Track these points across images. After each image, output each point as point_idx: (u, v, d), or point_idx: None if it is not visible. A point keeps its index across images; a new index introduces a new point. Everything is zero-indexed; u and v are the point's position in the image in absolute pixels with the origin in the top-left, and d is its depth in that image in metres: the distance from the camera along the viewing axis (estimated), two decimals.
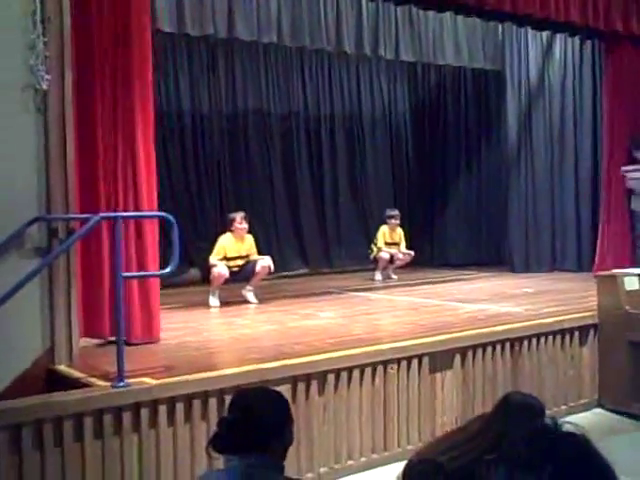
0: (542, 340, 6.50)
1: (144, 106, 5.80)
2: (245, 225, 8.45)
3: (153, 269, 5.72)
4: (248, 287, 8.40)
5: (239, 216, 8.42)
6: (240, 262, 8.39)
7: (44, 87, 5.03)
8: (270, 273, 8.58)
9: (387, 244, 10.45)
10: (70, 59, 5.24)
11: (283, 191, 11.69)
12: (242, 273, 8.36)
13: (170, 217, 4.88)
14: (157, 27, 7.99)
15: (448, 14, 10.13)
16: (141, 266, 5.67)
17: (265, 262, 8.38)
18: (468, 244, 12.28)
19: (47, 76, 5.02)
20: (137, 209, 5.71)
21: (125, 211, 5.58)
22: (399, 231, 10.61)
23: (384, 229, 10.50)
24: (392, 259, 10.40)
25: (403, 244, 10.58)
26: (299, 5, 9.29)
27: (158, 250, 5.83)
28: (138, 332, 5.76)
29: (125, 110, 5.70)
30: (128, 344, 5.26)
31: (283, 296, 8.93)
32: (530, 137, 10.98)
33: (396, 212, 10.59)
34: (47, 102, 5.08)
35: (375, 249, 10.43)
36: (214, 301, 8.21)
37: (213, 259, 8.28)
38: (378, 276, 10.42)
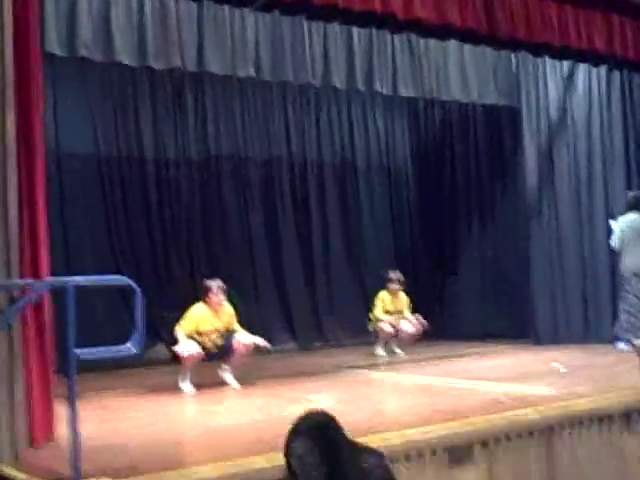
0: (577, 427, 6.38)
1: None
2: (222, 297, 8.34)
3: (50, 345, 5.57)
4: (224, 367, 8.27)
5: (215, 286, 8.30)
6: (215, 337, 8.26)
7: None
8: (250, 353, 8.43)
9: (388, 313, 10.37)
10: (12, 97, 5.21)
11: (265, 251, 11.65)
12: (220, 353, 8.24)
13: (132, 283, 4.79)
14: (115, 59, 8.04)
15: (453, 42, 10.26)
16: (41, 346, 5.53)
17: (245, 338, 8.25)
18: (484, 312, 12.20)
19: None
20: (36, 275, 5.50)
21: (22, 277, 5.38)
22: (403, 297, 10.55)
23: (383, 295, 10.44)
24: (397, 332, 10.32)
25: (408, 312, 10.50)
26: (280, 34, 9.38)
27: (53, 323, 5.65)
28: (39, 430, 5.56)
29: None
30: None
31: (267, 376, 8.79)
32: (553, 183, 11.03)
33: (398, 274, 10.55)
34: None
35: (373, 319, 10.35)
36: (186, 386, 8.03)
37: (180, 333, 8.13)
38: (379, 351, 10.32)
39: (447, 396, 7.21)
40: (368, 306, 10.85)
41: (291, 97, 12.01)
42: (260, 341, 8.37)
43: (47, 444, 5.54)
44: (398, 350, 10.41)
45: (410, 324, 10.34)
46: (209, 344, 8.19)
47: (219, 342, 8.24)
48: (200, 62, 8.71)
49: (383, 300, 10.40)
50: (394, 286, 10.43)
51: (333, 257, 12.20)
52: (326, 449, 3.01)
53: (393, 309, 10.42)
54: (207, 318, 8.24)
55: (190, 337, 8.10)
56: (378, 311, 10.33)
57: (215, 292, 8.27)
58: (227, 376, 8.24)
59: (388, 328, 10.21)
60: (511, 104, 11.59)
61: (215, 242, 11.20)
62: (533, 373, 8.44)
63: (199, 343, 8.10)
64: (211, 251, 11.15)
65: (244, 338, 8.22)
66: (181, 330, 8.14)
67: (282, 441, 5.38)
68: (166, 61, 8.46)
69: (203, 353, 8.05)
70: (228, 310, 8.41)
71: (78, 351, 4.58)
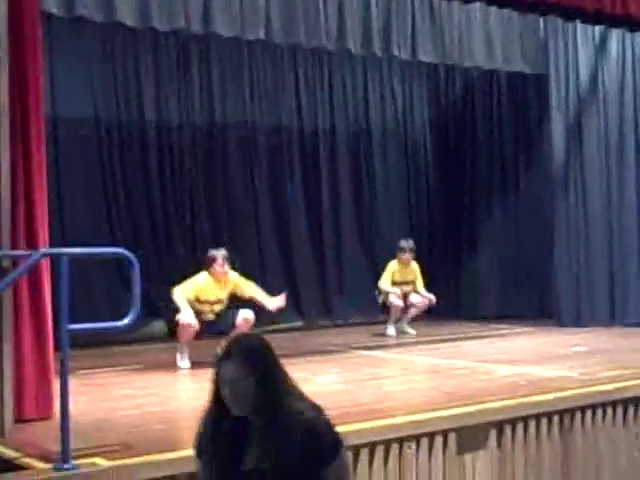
0: (599, 412, 6.44)
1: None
2: (227, 269, 8.43)
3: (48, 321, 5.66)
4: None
5: (220, 256, 8.39)
6: (218, 308, 8.36)
7: None
8: (252, 327, 8.53)
9: (397, 284, 10.41)
10: (6, 59, 5.26)
11: (271, 224, 11.68)
12: (219, 324, 8.32)
13: (129, 255, 4.85)
14: (116, 19, 8.06)
15: (478, 5, 10.21)
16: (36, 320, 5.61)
17: (247, 314, 8.33)
18: (504, 291, 12.25)
19: None
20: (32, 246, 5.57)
21: (15, 248, 5.46)
22: (414, 267, 10.57)
23: (393, 266, 10.47)
24: (407, 306, 10.35)
25: (420, 284, 10.53)
26: None
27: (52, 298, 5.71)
28: (31, 404, 5.66)
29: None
30: (18, 420, 5.27)
31: None
32: (581, 154, 11.01)
33: (410, 243, 10.55)
34: None
35: (382, 291, 10.40)
36: (183, 362, 8.15)
37: (180, 298, 8.17)
38: (391, 330, 10.37)
39: (461, 379, 7.27)
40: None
41: (302, 61, 12.00)
42: (276, 302, 8.49)
43: (44, 421, 5.63)
44: (411, 330, 10.49)
45: (419, 296, 10.41)
46: (209, 313, 8.27)
47: (218, 310, 8.32)
48: (206, 23, 8.70)
49: (392, 271, 10.43)
50: (405, 256, 10.42)
51: (344, 231, 12.23)
52: (263, 376, 2.88)
53: (402, 280, 10.43)
54: (210, 288, 8.37)
55: (189, 304, 8.15)
56: (385, 282, 10.35)
57: (220, 262, 8.36)
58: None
59: (397, 301, 10.25)
60: (538, 71, 11.54)
61: (219, 214, 11.23)
62: (553, 356, 8.48)
63: (197, 312, 8.17)
64: (215, 223, 11.19)
65: (246, 313, 8.29)
66: (181, 293, 8.19)
67: None
68: (170, 22, 8.46)
69: (198, 326, 8.09)
70: (233, 278, 8.49)
71: (71, 326, 4.64)
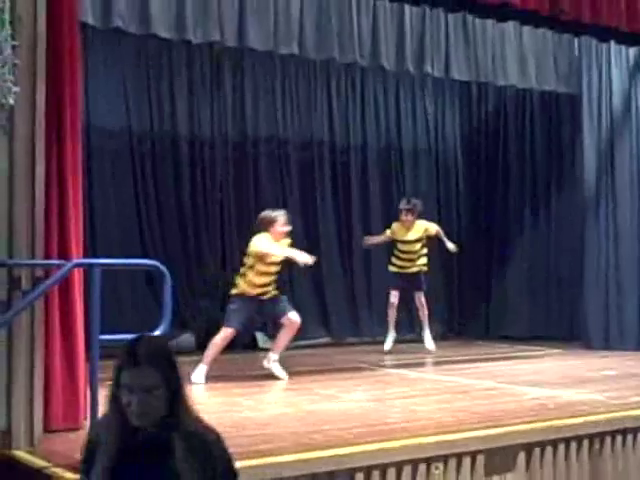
0: (629, 437, 6.39)
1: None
2: (408, 216, 9.86)
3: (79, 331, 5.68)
4: (273, 355, 8.44)
5: (283, 217, 8.60)
6: (274, 277, 8.50)
7: (10, 102, 5.08)
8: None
9: (400, 251, 10.45)
10: (44, 69, 5.31)
11: (301, 240, 11.65)
12: (266, 311, 8.51)
13: (162, 267, 4.88)
14: (151, 31, 8.13)
15: (511, 24, 10.22)
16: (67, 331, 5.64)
17: (296, 316, 8.46)
18: (533, 313, 12.18)
19: (15, 88, 5.08)
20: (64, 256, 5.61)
21: (48, 258, 5.50)
22: (420, 225, 10.44)
23: (393, 227, 10.54)
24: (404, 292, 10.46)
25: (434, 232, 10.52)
26: (327, 10, 9.41)
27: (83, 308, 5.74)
28: (61, 415, 5.69)
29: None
30: (47, 430, 5.30)
31: (299, 371, 8.86)
32: (613, 177, 10.96)
33: (413, 202, 10.46)
34: (14, 120, 5.13)
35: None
36: (198, 375, 8.12)
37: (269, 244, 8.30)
38: (388, 343, 10.38)
39: (489, 399, 7.22)
40: (409, 306, 10.89)
41: (335, 77, 12.03)
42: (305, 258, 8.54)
43: (70, 432, 5.65)
44: (429, 345, 10.37)
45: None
46: (272, 275, 8.41)
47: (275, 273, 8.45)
48: (240, 36, 8.76)
49: (391, 230, 10.47)
50: (406, 217, 10.31)
51: (373, 248, 12.20)
52: (174, 387, 2.68)
53: (400, 239, 10.37)
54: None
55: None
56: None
57: (282, 223, 8.53)
58: (275, 366, 8.39)
59: (393, 299, 10.26)
60: (571, 91, 11.52)
61: (249, 228, 11.20)
62: (583, 379, 8.42)
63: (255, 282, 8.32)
64: (244, 237, 11.15)
65: (294, 315, 8.41)
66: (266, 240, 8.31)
67: (311, 437, 5.50)
68: (205, 34, 8.52)
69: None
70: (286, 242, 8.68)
71: (103, 337, 4.66)
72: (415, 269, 10.46)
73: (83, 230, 6.14)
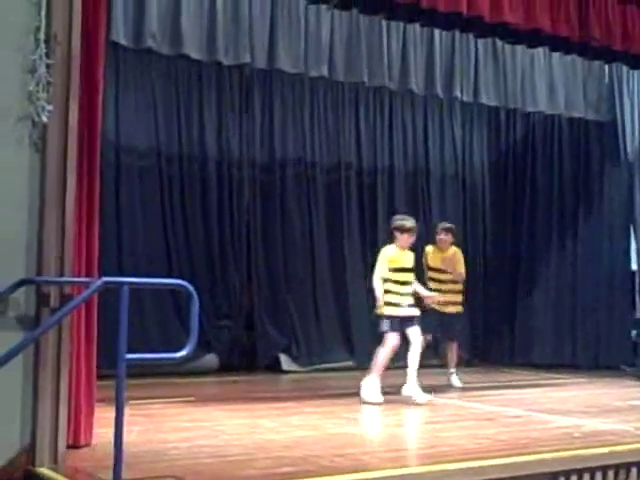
0: None
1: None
2: (448, 236, 9.49)
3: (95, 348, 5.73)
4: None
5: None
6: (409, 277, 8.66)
7: (44, 119, 5.13)
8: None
9: (431, 272, 9.92)
10: (77, 88, 5.36)
11: (327, 262, 11.69)
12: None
13: (190, 288, 4.89)
14: (183, 52, 8.21)
15: (541, 50, 10.24)
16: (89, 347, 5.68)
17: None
18: (559, 340, 12.12)
19: (48, 107, 5.13)
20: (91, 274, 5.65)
21: (75, 275, 5.53)
22: (454, 253, 9.99)
23: (428, 249, 10.01)
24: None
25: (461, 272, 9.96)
26: (357, 33, 9.48)
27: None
28: (82, 431, 5.69)
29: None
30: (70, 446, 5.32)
31: (323, 394, 8.85)
32: None
33: (449, 225, 10.11)
34: (46, 138, 5.18)
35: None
36: (375, 395, 8.28)
37: (378, 285, 8.53)
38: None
39: (514, 427, 7.18)
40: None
41: (364, 100, 12.04)
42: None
43: (88, 448, 5.68)
44: (455, 381, 9.91)
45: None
46: (406, 286, 8.56)
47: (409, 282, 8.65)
48: (271, 59, 8.86)
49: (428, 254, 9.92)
50: (445, 237, 9.81)
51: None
52: None
53: (435, 266, 9.90)
54: (400, 257, 8.73)
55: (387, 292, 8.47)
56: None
57: (413, 233, 8.77)
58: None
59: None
60: (600, 118, 11.51)
61: (275, 250, 11.26)
62: (609, 408, 8.35)
63: (394, 305, 8.46)
64: (270, 259, 11.22)
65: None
66: (379, 280, 8.54)
67: (334, 461, 5.49)
68: (235, 57, 8.61)
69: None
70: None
71: (129, 356, 4.67)
72: (451, 309, 9.81)
73: (109, 247, 6.19)
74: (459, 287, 9.94)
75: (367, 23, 9.47)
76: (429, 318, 9.37)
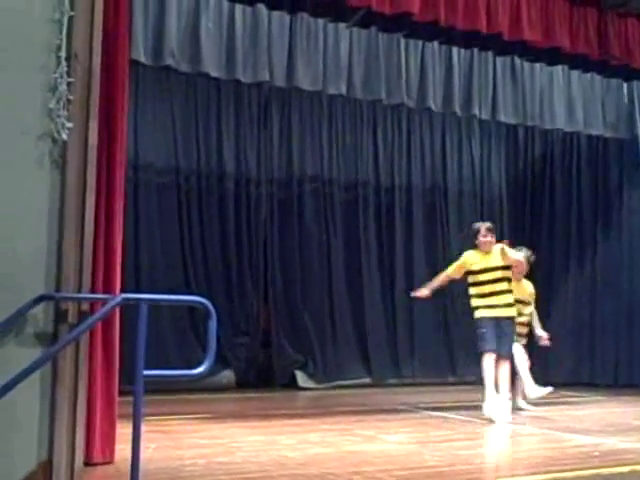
0: None
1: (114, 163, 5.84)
2: (490, 238, 8.70)
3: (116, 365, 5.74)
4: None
5: (483, 227, 8.71)
6: (493, 277, 8.57)
7: (64, 137, 5.16)
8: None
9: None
10: (97, 106, 5.40)
11: (344, 279, 11.69)
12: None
13: (209, 304, 4.90)
14: (202, 70, 8.25)
15: (560, 68, 10.23)
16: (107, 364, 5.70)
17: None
18: (577, 359, 12.06)
19: (68, 124, 5.16)
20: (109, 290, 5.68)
21: (94, 291, 5.55)
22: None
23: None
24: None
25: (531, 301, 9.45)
26: (375, 51, 9.50)
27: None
28: (99, 449, 5.71)
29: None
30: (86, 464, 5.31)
31: (339, 412, 8.83)
32: None
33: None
34: (66, 155, 5.21)
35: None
36: (503, 414, 8.29)
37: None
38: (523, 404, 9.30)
39: (532, 446, 7.15)
40: (450, 344, 10.78)
41: (382, 117, 12.09)
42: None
43: (107, 465, 5.69)
44: (527, 406, 9.43)
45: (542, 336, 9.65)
46: (488, 284, 8.55)
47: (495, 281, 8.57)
48: (289, 77, 8.88)
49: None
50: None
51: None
52: None
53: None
54: (478, 260, 8.65)
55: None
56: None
57: (484, 233, 8.63)
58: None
59: (523, 356, 9.22)
60: (618, 136, 11.48)
61: (292, 267, 11.28)
62: (628, 427, 8.29)
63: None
64: (287, 276, 11.23)
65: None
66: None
67: (351, 479, 5.47)
68: (254, 75, 8.63)
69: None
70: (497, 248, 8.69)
71: (147, 372, 4.68)
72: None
73: (127, 263, 6.21)
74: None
75: (386, 41, 9.49)
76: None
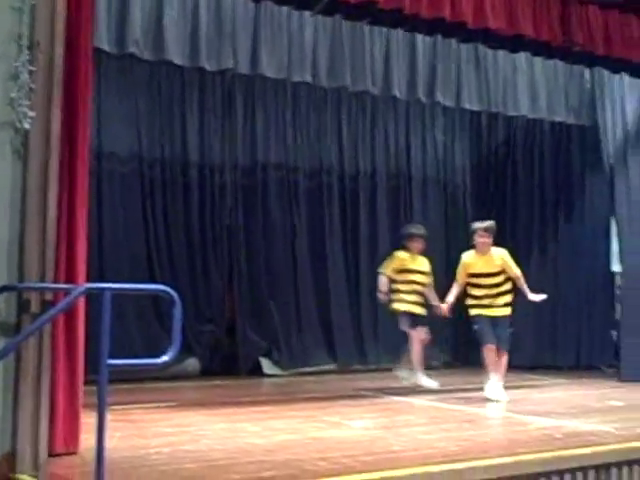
0: (636, 469, 6.38)
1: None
2: (487, 239, 9.05)
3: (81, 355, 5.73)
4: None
5: (481, 228, 9.09)
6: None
7: (26, 126, 5.14)
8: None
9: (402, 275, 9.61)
10: (60, 95, 5.37)
11: (308, 266, 11.71)
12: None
13: (173, 293, 4.90)
14: (165, 58, 8.22)
15: (523, 55, 10.30)
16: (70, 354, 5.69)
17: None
18: (540, 342, 12.17)
19: (31, 113, 5.13)
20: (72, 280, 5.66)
21: (57, 282, 5.49)
22: (423, 262, 9.78)
23: (401, 255, 9.69)
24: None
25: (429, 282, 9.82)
26: (340, 39, 9.51)
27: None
28: (63, 439, 5.70)
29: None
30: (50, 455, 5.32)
31: (305, 398, 8.87)
32: (629, 207, 10.94)
33: (422, 230, 9.85)
34: (28, 145, 5.18)
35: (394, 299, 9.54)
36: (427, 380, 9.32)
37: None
38: (427, 381, 9.67)
39: (495, 429, 7.24)
40: None
41: (346, 105, 12.06)
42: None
43: (71, 455, 5.68)
44: (428, 382, 9.76)
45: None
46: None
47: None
48: (253, 65, 8.88)
49: (399, 259, 9.65)
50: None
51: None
52: None
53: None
54: (476, 263, 9.13)
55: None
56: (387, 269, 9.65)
57: (480, 234, 9.05)
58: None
59: (422, 334, 9.65)
60: (581, 122, 11.60)
61: (257, 254, 11.27)
62: (590, 409, 8.42)
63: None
64: (252, 264, 11.22)
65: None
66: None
67: (317, 464, 5.51)
68: (218, 62, 8.62)
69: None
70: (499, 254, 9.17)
71: (111, 361, 4.68)
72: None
73: (91, 253, 6.18)
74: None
75: (350, 29, 9.51)
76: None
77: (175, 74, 10.51)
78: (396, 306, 9.64)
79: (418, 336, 9.53)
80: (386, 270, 9.68)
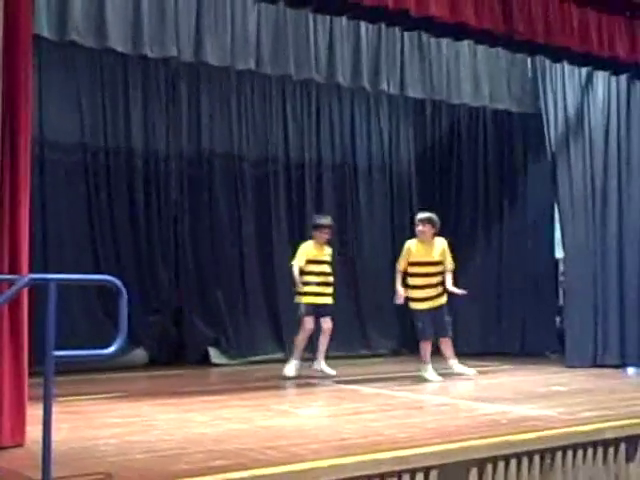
0: (580, 453, 6.47)
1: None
2: (422, 228, 9.41)
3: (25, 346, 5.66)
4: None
5: (417, 218, 9.51)
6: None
7: None
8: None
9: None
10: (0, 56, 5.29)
11: (255, 255, 11.69)
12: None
13: (118, 283, 4.85)
14: (108, 45, 8.12)
15: (466, 44, 10.37)
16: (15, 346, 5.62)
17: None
18: (485, 329, 12.31)
19: None
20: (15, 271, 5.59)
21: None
22: (328, 251, 9.96)
23: (308, 246, 9.82)
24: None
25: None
26: (284, 26, 9.49)
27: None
28: (8, 431, 5.63)
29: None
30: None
31: (253, 387, 8.86)
32: (571, 194, 11.04)
33: (329, 220, 10.01)
34: None
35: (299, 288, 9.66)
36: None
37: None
38: (290, 369, 9.69)
39: (442, 415, 7.27)
40: (363, 320, 10.87)
41: (291, 93, 12.05)
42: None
43: (17, 448, 5.61)
44: (323, 368, 9.86)
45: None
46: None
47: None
48: (197, 52, 8.81)
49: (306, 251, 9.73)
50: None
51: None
52: None
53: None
54: (418, 251, 9.35)
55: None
56: (300, 260, 9.67)
57: (416, 223, 9.42)
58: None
59: (310, 324, 9.71)
60: (523, 110, 11.70)
61: (203, 244, 11.23)
62: (534, 395, 8.49)
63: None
64: (198, 253, 11.18)
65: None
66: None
67: (266, 453, 5.50)
68: (161, 50, 8.54)
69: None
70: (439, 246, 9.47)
71: (57, 353, 4.63)
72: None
73: (34, 244, 6.11)
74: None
75: (294, 16, 9.48)
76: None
77: (118, 62, 10.41)
78: (301, 297, 9.75)
79: (327, 326, 9.81)
80: (299, 261, 9.69)
